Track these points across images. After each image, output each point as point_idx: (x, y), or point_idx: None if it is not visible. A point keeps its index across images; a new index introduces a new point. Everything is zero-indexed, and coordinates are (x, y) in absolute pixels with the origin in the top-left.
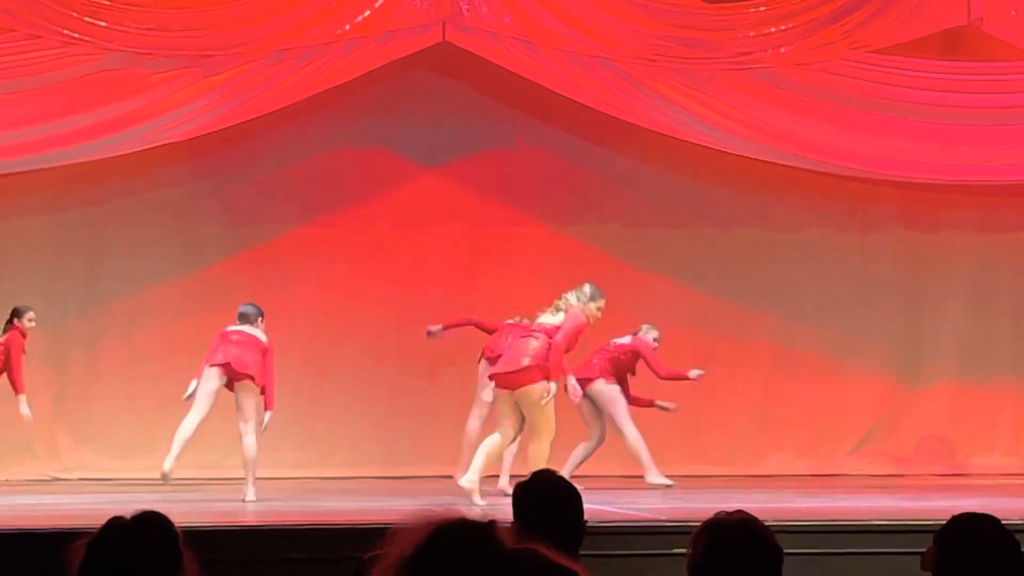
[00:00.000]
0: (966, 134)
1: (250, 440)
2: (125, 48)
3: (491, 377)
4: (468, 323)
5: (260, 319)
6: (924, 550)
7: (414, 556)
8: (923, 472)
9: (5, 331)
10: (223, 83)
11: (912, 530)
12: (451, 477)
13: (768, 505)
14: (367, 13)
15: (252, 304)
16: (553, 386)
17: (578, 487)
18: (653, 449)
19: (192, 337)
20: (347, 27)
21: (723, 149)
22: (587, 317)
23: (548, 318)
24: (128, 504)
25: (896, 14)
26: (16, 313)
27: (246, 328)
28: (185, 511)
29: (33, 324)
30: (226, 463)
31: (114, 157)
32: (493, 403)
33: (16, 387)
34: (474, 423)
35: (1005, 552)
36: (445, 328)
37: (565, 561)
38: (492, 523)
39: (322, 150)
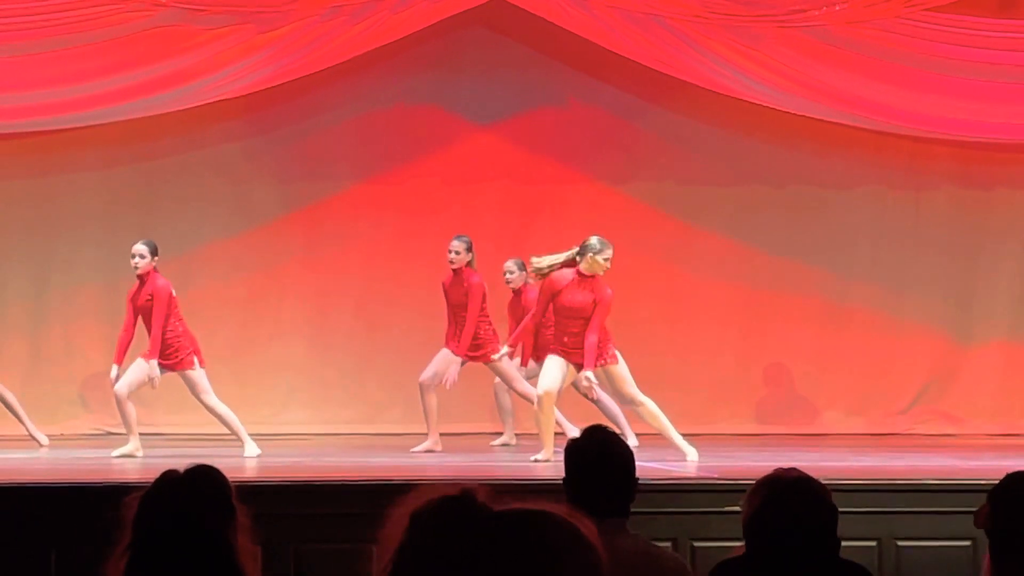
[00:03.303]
0: (1022, 93)
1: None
2: (178, 4)
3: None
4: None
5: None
6: (977, 509)
7: (402, 548)
8: (976, 431)
9: None
10: (276, 40)
11: (966, 489)
12: (501, 434)
13: (821, 463)
14: None
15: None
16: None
17: (630, 444)
18: (705, 405)
19: (243, 294)
20: None
21: (776, 107)
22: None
23: None
24: (181, 458)
25: None
26: None
27: None
28: (238, 465)
29: None
30: (277, 419)
31: (167, 113)
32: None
33: None
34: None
35: None
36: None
37: (566, 512)
38: (468, 492)
39: (374, 107)
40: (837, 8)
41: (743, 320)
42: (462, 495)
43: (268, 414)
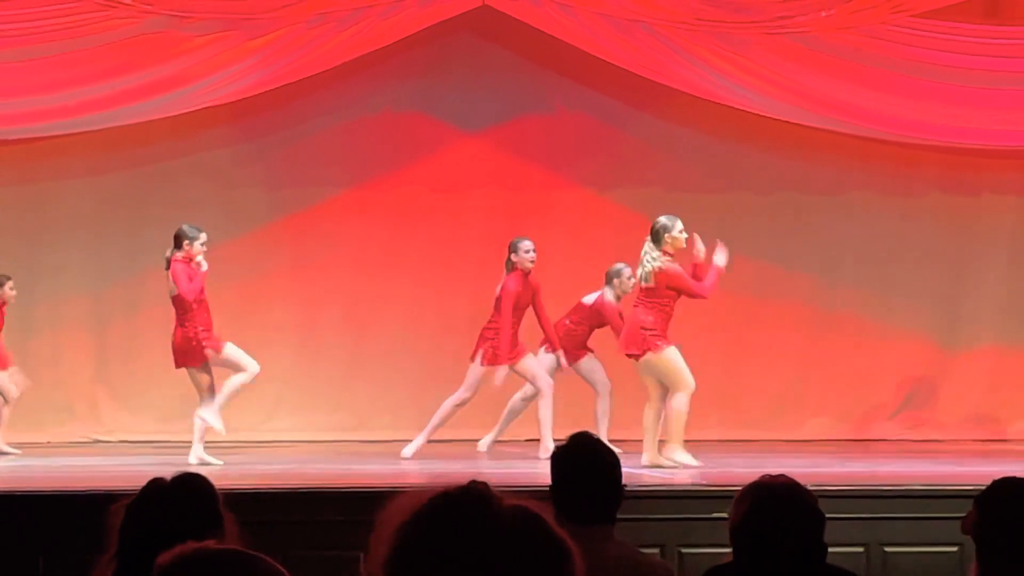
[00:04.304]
0: (1008, 99)
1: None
2: (166, 11)
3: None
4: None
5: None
6: (964, 514)
7: (405, 529)
8: (963, 437)
9: None
10: (264, 46)
11: (953, 495)
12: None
13: (808, 470)
14: None
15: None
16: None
17: (616, 451)
18: (692, 411)
19: (232, 300)
20: None
21: (763, 113)
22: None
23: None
24: (168, 466)
25: None
26: None
27: None
28: (225, 473)
29: (13, 293)
30: (265, 426)
31: (156, 120)
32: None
33: None
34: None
35: None
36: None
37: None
38: (484, 485)
39: (362, 114)
40: (823, 14)
41: (730, 326)
42: (472, 486)
43: (256, 421)
